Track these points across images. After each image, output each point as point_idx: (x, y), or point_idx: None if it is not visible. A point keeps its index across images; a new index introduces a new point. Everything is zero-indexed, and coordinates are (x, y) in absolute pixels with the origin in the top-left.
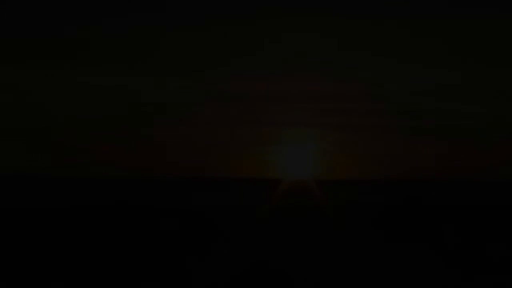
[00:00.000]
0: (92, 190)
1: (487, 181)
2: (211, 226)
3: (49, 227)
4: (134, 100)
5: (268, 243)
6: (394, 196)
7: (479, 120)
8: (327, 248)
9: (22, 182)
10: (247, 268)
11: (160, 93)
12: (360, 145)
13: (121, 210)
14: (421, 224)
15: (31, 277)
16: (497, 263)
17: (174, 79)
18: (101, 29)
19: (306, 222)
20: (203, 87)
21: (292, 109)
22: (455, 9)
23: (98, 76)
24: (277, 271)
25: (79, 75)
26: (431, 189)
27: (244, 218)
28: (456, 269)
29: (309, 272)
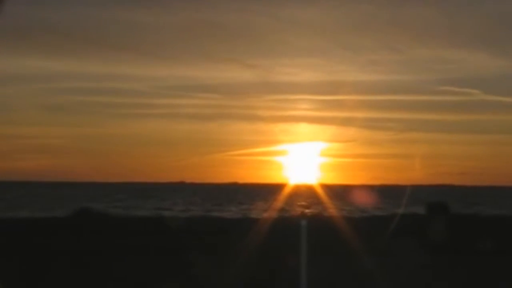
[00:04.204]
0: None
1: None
2: (214, 230)
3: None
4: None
5: (271, 245)
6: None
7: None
8: (330, 251)
9: None
10: (251, 275)
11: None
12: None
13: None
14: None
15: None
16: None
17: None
18: None
19: (308, 223)
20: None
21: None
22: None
23: None
24: (281, 275)
25: None
26: (433, 191)
27: (247, 222)
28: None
29: (312, 275)
